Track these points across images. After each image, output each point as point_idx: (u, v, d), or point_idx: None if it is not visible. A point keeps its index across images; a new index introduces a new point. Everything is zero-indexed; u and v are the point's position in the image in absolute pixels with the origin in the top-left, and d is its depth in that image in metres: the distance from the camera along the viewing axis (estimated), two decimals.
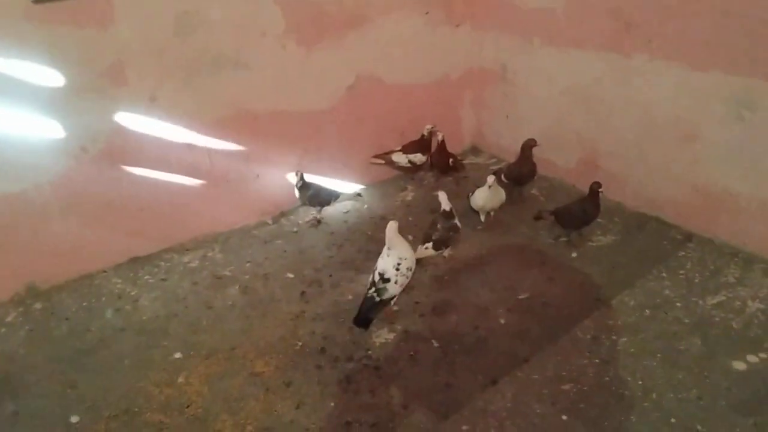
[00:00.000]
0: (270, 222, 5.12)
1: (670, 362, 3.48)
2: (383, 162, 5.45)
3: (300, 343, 3.78)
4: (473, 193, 4.80)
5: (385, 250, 3.75)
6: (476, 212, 4.94)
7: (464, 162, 5.82)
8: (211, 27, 4.31)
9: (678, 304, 3.92)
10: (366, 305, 3.67)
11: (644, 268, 4.30)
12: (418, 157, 5.47)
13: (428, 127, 5.44)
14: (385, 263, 3.69)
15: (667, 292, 4.05)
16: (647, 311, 3.89)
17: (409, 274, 3.75)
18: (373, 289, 3.66)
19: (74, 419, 3.31)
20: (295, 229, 5.04)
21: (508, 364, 3.53)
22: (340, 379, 3.49)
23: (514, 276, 4.32)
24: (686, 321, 3.78)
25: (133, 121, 4.29)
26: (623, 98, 4.76)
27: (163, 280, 4.43)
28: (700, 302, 3.93)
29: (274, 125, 4.88)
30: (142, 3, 4.03)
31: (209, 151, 4.66)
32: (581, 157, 5.00)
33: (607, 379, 3.40)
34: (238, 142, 4.77)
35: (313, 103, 5.03)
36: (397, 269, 3.65)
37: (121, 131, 4.27)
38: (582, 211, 4.41)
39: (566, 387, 3.36)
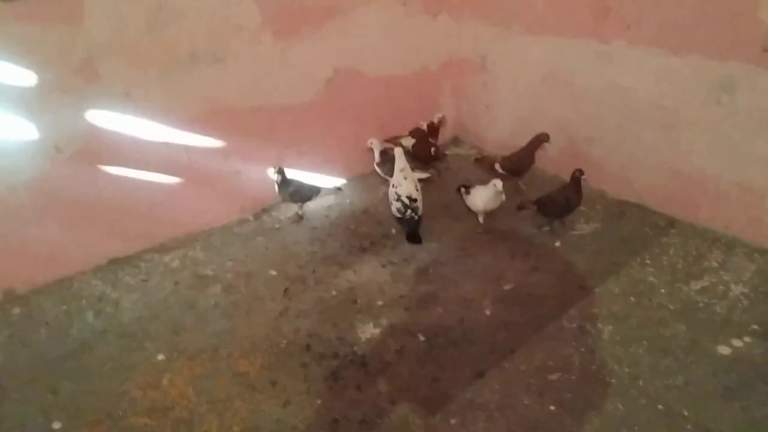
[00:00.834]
0: (251, 219, 5.06)
1: (656, 349, 3.49)
2: (393, 146, 5.37)
3: (285, 341, 3.74)
4: (467, 191, 4.70)
5: (398, 175, 4.55)
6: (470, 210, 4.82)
7: (445, 153, 5.78)
8: (185, 21, 4.21)
9: (662, 291, 3.94)
10: (410, 226, 4.55)
11: (628, 255, 4.31)
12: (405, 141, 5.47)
13: (438, 115, 5.51)
14: (407, 186, 4.51)
15: (651, 278, 4.06)
16: (632, 298, 3.90)
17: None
18: (409, 211, 4.46)
19: (56, 425, 3.24)
20: (277, 226, 4.98)
21: (494, 356, 3.52)
22: (326, 376, 3.46)
23: (498, 267, 4.30)
24: (671, 307, 3.79)
25: (108, 118, 4.19)
26: (603, 85, 4.75)
27: (143, 281, 4.36)
28: (684, 288, 3.94)
29: (253, 120, 4.80)
30: None
31: (187, 148, 4.58)
32: (562, 146, 4.99)
33: (593, 367, 3.40)
34: (217, 138, 4.69)
35: (292, 97, 4.96)
36: (417, 189, 4.54)
37: (96, 130, 4.17)
38: (564, 198, 4.39)
39: (553, 377, 3.35)
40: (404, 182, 4.49)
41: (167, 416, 3.26)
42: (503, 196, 4.54)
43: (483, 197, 4.54)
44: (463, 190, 4.74)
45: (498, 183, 4.43)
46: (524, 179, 5.29)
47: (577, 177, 4.30)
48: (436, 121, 5.51)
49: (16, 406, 3.38)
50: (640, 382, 3.28)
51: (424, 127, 5.45)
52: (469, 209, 4.79)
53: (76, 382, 3.52)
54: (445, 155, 5.63)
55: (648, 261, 4.22)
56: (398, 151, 4.62)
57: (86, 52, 3.97)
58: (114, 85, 4.14)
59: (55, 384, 3.50)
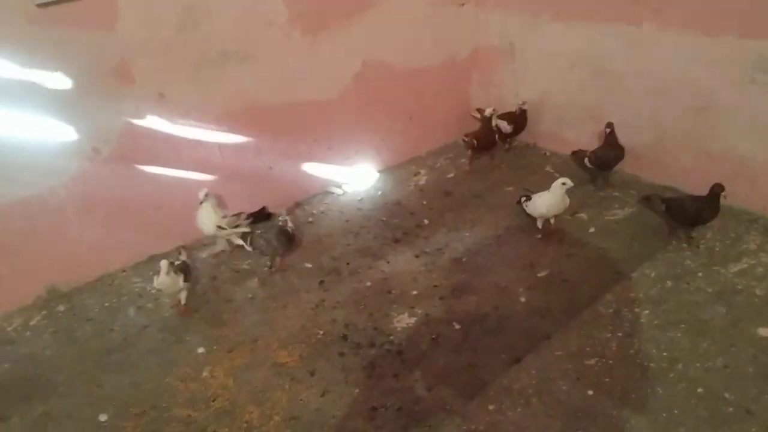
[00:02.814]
0: (285, 213, 5.09)
1: (695, 332, 3.45)
2: (479, 117, 5.41)
3: (321, 332, 3.79)
4: (529, 197, 4.42)
5: None
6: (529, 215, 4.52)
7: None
8: (214, 20, 4.29)
9: (700, 274, 3.89)
10: None
11: (663, 239, 4.26)
12: (504, 125, 5.47)
13: (521, 103, 5.45)
14: None
15: (688, 262, 4.01)
16: (669, 282, 3.85)
17: None
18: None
19: (103, 418, 3.33)
20: (310, 219, 5.03)
21: (530, 342, 3.52)
22: (364, 366, 3.49)
23: (532, 254, 4.29)
24: (709, 290, 3.75)
25: (143, 119, 4.29)
26: (635, 69, 4.70)
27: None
28: (722, 271, 3.89)
29: (283, 116, 4.86)
30: (144, 0, 4.01)
31: (219, 146, 4.66)
32: (594, 131, 4.94)
33: (631, 352, 3.37)
34: (248, 136, 4.76)
35: (321, 93, 5.01)
36: None
37: (131, 130, 4.27)
38: (695, 210, 4.01)
39: (590, 362, 3.34)
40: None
41: (209, 407, 3.33)
42: (568, 200, 4.27)
43: (547, 201, 4.26)
44: (523, 199, 4.47)
45: (567, 181, 4.15)
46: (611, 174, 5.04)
47: (716, 192, 3.86)
48: (519, 107, 5.45)
49: (64, 399, 3.48)
50: (679, 366, 3.24)
51: (488, 113, 5.35)
52: (529, 215, 4.51)
53: (120, 376, 3.61)
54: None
55: (684, 245, 4.16)
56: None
57: (120, 55, 4.07)
58: (147, 86, 4.24)
59: (100, 377, 3.60)
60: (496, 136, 5.40)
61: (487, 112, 5.28)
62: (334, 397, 3.30)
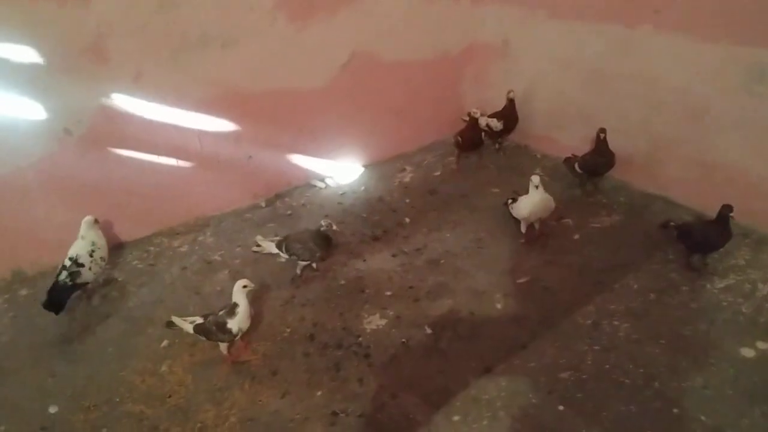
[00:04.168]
0: (263, 205, 4.98)
1: (675, 349, 3.31)
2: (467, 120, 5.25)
3: (288, 330, 3.66)
4: (514, 200, 4.27)
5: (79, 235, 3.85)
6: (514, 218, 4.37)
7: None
8: (196, 2, 4.14)
9: (684, 288, 3.75)
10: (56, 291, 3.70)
11: (649, 250, 4.12)
12: (494, 122, 5.32)
13: (507, 92, 5.24)
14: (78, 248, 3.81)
15: (673, 275, 3.87)
16: (652, 295, 3.71)
17: (102, 264, 3.91)
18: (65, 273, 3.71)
19: (53, 409, 3.20)
20: (288, 212, 4.89)
21: (503, 351, 3.38)
22: (329, 367, 3.36)
23: (513, 259, 4.15)
24: (693, 306, 3.60)
25: (118, 101, 4.15)
26: (628, 72, 4.55)
27: (151, 265, 4.32)
28: (708, 286, 3.75)
29: (266, 104, 4.71)
30: None
31: (198, 132, 4.52)
32: (585, 135, 4.78)
33: (607, 366, 3.23)
34: (229, 122, 4.62)
35: (306, 82, 4.86)
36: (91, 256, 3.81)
37: (105, 112, 4.14)
38: (702, 235, 3.80)
39: (564, 375, 3.20)
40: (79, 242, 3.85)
41: (164, 404, 3.20)
42: (552, 202, 4.14)
43: (530, 203, 4.11)
44: (510, 201, 4.33)
45: (534, 178, 4.04)
46: (601, 181, 4.90)
47: (724, 214, 3.62)
48: (510, 96, 5.26)
49: (15, 388, 3.35)
50: (656, 384, 3.10)
51: (477, 114, 5.18)
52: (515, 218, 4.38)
53: (76, 366, 3.48)
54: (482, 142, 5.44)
55: (671, 257, 4.02)
56: None
57: (95, 33, 3.92)
58: (124, 67, 4.10)
59: (55, 367, 3.47)
60: (483, 134, 5.25)
61: (473, 112, 5.13)
62: (294, 399, 3.17)
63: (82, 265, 3.76)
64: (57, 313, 3.69)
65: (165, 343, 3.62)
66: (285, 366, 3.39)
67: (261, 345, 3.55)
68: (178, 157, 4.51)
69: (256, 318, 3.70)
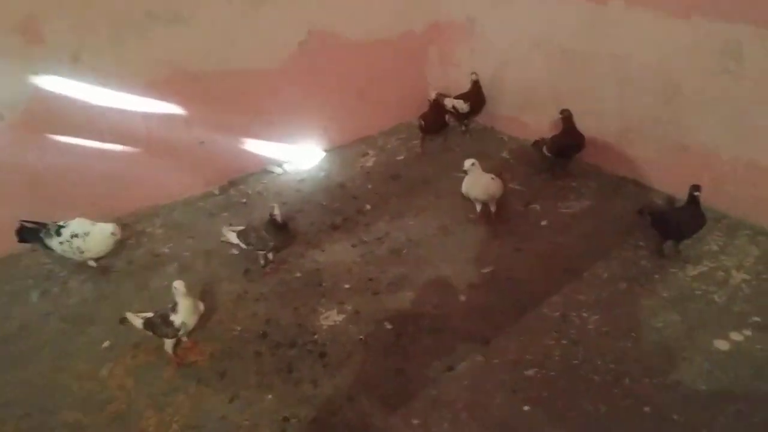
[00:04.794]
0: (217, 192, 4.72)
1: (646, 342, 3.14)
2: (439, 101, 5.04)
3: (239, 328, 3.43)
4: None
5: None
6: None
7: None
8: None
9: (656, 276, 3.58)
10: None
11: (620, 236, 3.95)
12: (460, 104, 5.09)
13: (471, 74, 5.05)
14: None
15: (644, 262, 3.71)
16: (622, 284, 3.54)
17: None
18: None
19: None
20: (243, 200, 4.64)
21: (467, 348, 3.19)
22: (281, 368, 3.15)
23: (478, 247, 3.96)
24: (665, 295, 3.44)
25: (56, 84, 3.86)
26: (599, 51, 4.35)
27: (96, 259, 4.02)
28: (680, 274, 3.59)
29: (218, 86, 4.44)
30: None
31: (145, 116, 4.25)
32: (554, 117, 4.58)
33: (575, 362, 3.06)
34: (178, 106, 4.35)
35: (261, 62, 4.59)
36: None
37: (42, 95, 3.86)
38: (675, 221, 3.62)
39: (530, 372, 3.02)
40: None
41: (103, 410, 2.97)
42: (494, 185, 3.97)
43: (465, 183, 4.02)
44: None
45: (466, 162, 3.91)
46: (570, 163, 4.68)
47: (694, 195, 3.46)
48: (474, 78, 5.07)
49: None
50: (627, 380, 2.93)
51: (433, 96, 4.97)
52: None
53: (9, 370, 3.24)
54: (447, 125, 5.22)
55: (641, 243, 3.85)
56: None
57: (26, 10, 3.62)
58: (60, 48, 3.83)
59: None
60: (448, 116, 5.02)
61: (432, 95, 4.90)
62: (243, 404, 2.97)
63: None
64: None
65: (107, 344, 3.38)
66: (234, 367, 3.18)
67: (209, 345, 3.33)
68: (123, 144, 4.24)
69: (204, 315, 3.45)
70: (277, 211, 3.63)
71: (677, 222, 3.61)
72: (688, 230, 3.60)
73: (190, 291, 3.11)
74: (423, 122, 4.92)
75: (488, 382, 2.98)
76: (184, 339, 3.25)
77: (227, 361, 3.21)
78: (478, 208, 4.14)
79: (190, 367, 3.21)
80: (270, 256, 3.86)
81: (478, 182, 3.98)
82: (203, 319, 3.38)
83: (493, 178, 3.99)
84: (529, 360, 3.09)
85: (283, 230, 3.73)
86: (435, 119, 4.94)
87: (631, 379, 2.94)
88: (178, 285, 3.06)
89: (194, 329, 3.23)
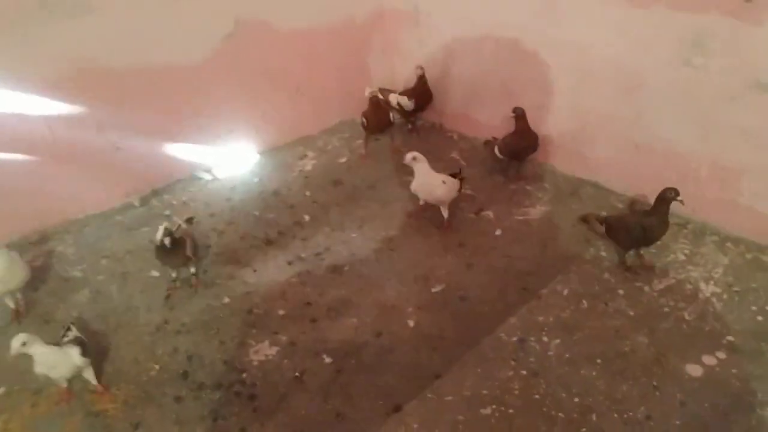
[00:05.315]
0: (137, 204, 4.23)
1: (613, 370, 2.84)
2: (383, 98, 4.61)
3: (157, 367, 3.01)
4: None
5: None
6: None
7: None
8: None
9: (620, 292, 3.29)
10: None
11: (580, 245, 3.65)
12: (404, 101, 4.72)
13: (417, 67, 4.66)
14: None
15: (606, 276, 3.41)
16: (584, 302, 3.24)
17: None
18: None
19: None
20: (167, 212, 4.16)
21: (415, 383, 2.83)
22: (204, 415, 2.75)
23: (427, 263, 3.59)
24: (631, 313, 3.15)
25: None
26: (554, 42, 4.02)
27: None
28: (646, 288, 3.30)
29: (135, 85, 3.95)
30: None
31: (48, 120, 3.72)
32: (507, 113, 4.23)
33: (536, 396, 2.74)
34: (87, 107, 3.83)
35: (182, 56, 4.10)
36: None
37: None
38: (640, 227, 3.25)
39: (486, 411, 2.69)
40: None
41: None
42: (441, 187, 3.65)
43: (414, 183, 3.71)
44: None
45: (407, 156, 3.63)
46: (523, 165, 4.39)
47: (667, 198, 3.13)
48: (419, 73, 4.69)
49: None
50: (593, 417, 2.63)
51: (368, 93, 4.47)
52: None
53: None
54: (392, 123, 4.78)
55: (603, 253, 3.56)
56: None
57: None
58: None
59: None
60: (392, 115, 4.62)
61: (367, 92, 4.44)
62: None
63: None
64: None
65: (1, 390, 2.90)
66: (150, 416, 2.76)
67: (122, 389, 2.89)
68: (23, 152, 3.71)
69: (119, 354, 3.04)
70: (160, 235, 3.16)
71: (642, 228, 3.27)
72: (648, 238, 3.31)
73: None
74: (365, 121, 4.51)
75: (440, 423, 2.64)
76: (93, 382, 2.82)
77: (142, 409, 2.79)
78: (421, 202, 3.86)
79: (98, 417, 2.76)
80: (174, 274, 3.44)
81: (423, 183, 3.66)
82: (116, 358, 2.96)
83: (444, 182, 3.64)
84: (485, 396, 2.75)
85: (173, 253, 3.25)
86: (377, 117, 4.51)
87: (598, 415, 2.63)
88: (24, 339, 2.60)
89: (106, 372, 2.80)
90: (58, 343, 2.73)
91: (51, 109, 3.71)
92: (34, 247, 3.82)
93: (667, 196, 3.12)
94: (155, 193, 4.35)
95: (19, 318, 3.32)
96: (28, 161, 3.75)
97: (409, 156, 3.62)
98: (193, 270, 3.44)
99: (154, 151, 4.21)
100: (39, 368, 2.63)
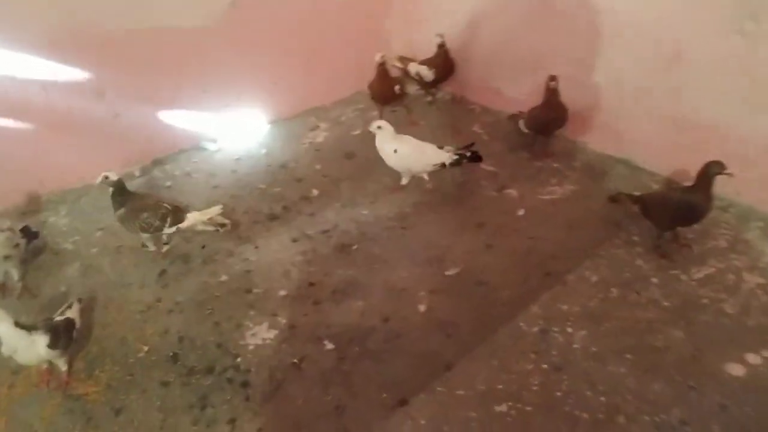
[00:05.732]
0: (137, 174, 4.02)
1: (645, 366, 2.56)
2: (402, 67, 4.45)
3: (146, 348, 2.81)
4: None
5: None
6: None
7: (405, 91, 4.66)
8: None
9: (654, 280, 2.99)
10: None
11: (610, 229, 3.35)
12: (424, 71, 4.46)
13: (437, 36, 4.37)
14: None
15: (639, 262, 3.11)
16: (614, 290, 2.95)
17: None
18: None
19: None
20: (168, 183, 3.96)
21: (424, 374, 2.59)
22: (192, 404, 2.54)
23: (443, 243, 3.33)
24: (665, 304, 2.86)
25: None
26: (587, 7, 3.72)
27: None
28: (683, 277, 3.00)
29: (136, 47, 3.76)
30: None
31: (43, 84, 3.54)
32: (534, 85, 3.93)
33: (558, 394, 2.47)
34: (85, 71, 3.64)
35: (189, 18, 3.91)
36: None
37: None
38: (685, 204, 2.97)
39: (501, 408, 2.43)
40: None
41: None
42: (393, 156, 3.51)
43: (403, 151, 3.53)
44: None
45: (372, 125, 3.50)
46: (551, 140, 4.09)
47: (712, 172, 2.85)
48: (439, 42, 4.40)
49: None
50: (621, 419, 2.35)
51: (378, 58, 4.22)
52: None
53: None
54: (406, 94, 4.54)
55: (636, 238, 3.27)
56: None
57: None
58: None
59: None
60: (397, 87, 4.32)
61: (377, 57, 4.18)
62: None
63: None
64: None
65: None
66: (134, 402, 2.56)
67: (106, 371, 2.69)
68: (16, 117, 3.51)
69: (106, 332, 2.82)
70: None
71: (684, 204, 2.96)
72: (696, 215, 2.99)
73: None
74: (370, 91, 4.30)
75: (450, 420, 2.39)
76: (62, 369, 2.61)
77: (126, 394, 2.60)
78: (406, 180, 3.68)
79: (78, 401, 2.56)
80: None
81: (380, 149, 3.56)
82: (102, 336, 2.75)
83: (396, 151, 3.50)
84: (500, 391, 2.49)
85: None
86: (381, 88, 4.27)
87: (626, 417, 2.36)
88: None
89: (90, 353, 2.63)
90: (33, 327, 2.49)
91: (46, 73, 3.55)
92: (25, 218, 3.62)
93: (712, 170, 2.83)
94: (157, 162, 4.15)
95: (4, 293, 3.12)
96: (22, 127, 3.59)
97: (374, 125, 3.49)
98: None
99: (155, 118, 4.01)
100: (4, 349, 2.41)
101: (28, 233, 3.26)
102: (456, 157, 3.47)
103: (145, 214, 3.14)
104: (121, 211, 3.16)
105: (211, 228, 3.36)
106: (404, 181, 3.66)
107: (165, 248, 3.34)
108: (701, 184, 2.89)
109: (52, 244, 3.46)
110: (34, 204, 3.74)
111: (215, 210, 3.25)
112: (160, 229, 3.16)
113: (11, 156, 3.57)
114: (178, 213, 3.20)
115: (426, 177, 3.64)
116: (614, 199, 3.44)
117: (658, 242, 3.15)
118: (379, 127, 3.47)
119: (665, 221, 3.09)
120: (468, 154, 3.50)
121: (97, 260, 3.33)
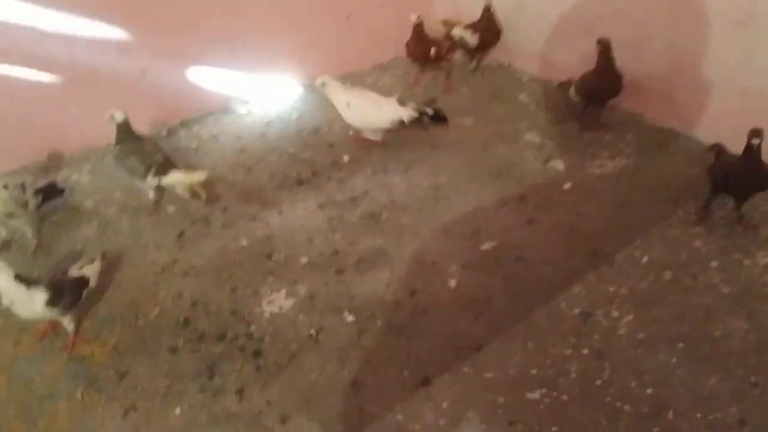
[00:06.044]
0: (164, 134, 3.90)
1: (699, 358, 2.30)
2: (446, 31, 4.30)
3: (157, 311, 2.69)
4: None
5: None
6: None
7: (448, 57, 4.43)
8: None
9: (713, 264, 2.71)
10: None
11: (665, 206, 3.06)
12: (467, 35, 4.24)
13: (485, 4, 4.14)
14: None
15: (697, 243, 2.83)
16: (667, 273, 2.68)
17: None
18: None
19: None
20: (194, 145, 3.83)
21: (451, 354, 2.39)
22: (200, 371, 2.40)
23: (479, 215, 3.10)
24: (725, 290, 2.58)
25: None
26: None
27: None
28: (747, 261, 2.71)
29: (163, 2, 3.56)
30: None
31: (68, 40, 3.43)
32: (586, 51, 3.64)
33: (598, 383, 2.24)
34: (110, 25, 3.53)
35: None
36: None
37: None
38: (722, 174, 2.82)
39: (534, 395, 2.21)
40: None
41: None
42: (346, 110, 3.46)
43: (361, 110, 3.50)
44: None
45: (317, 80, 3.50)
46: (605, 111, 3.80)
47: (751, 145, 2.64)
48: (485, 5, 4.16)
49: None
50: (669, 414, 2.11)
51: (414, 19, 4.09)
52: None
53: None
54: (447, 60, 4.33)
55: (695, 217, 2.95)
56: None
57: None
58: None
59: None
60: (433, 50, 4.12)
61: (413, 18, 4.02)
62: (140, 419, 2.25)
63: None
64: None
65: None
66: (140, 366, 2.45)
67: (114, 333, 2.57)
68: (42, 72, 3.45)
69: (116, 293, 2.68)
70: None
71: (721, 179, 2.78)
72: (735, 186, 2.78)
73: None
74: (406, 49, 4.19)
75: (476, 404, 2.19)
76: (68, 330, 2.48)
77: (132, 357, 2.48)
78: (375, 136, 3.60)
79: (83, 361, 2.43)
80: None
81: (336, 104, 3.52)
82: (113, 297, 2.63)
83: (348, 104, 3.45)
84: (534, 376, 2.28)
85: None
86: (416, 50, 4.15)
87: (676, 413, 2.12)
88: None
89: (99, 314, 2.54)
90: (35, 281, 2.36)
91: (71, 28, 3.44)
92: (47, 175, 3.53)
93: (749, 141, 2.62)
94: (184, 124, 4.04)
95: (7, 248, 3.03)
96: (46, 84, 3.52)
97: (318, 81, 3.47)
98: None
99: (183, 78, 3.89)
100: (5, 301, 2.28)
101: (53, 190, 3.17)
102: (415, 114, 3.31)
103: (133, 158, 3.05)
104: (115, 149, 3.09)
105: (187, 195, 3.17)
106: (371, 135, 3.59)
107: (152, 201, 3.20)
108: (745, 154, 2.65)
109: (73, 202, 3.36)
110: (56, 161, 3.65)
111: (199, 175, 3.08)
112: (144, 176, 3.03)
113: (35, 113, 3.49)
114: (165, 167, 3.05)
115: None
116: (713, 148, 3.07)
117: (706, 203, 2.90)
118: (323, 83, 3.43)
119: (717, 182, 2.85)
120: (430, 112, 3.34)
121: (116, 219, 3.23)
